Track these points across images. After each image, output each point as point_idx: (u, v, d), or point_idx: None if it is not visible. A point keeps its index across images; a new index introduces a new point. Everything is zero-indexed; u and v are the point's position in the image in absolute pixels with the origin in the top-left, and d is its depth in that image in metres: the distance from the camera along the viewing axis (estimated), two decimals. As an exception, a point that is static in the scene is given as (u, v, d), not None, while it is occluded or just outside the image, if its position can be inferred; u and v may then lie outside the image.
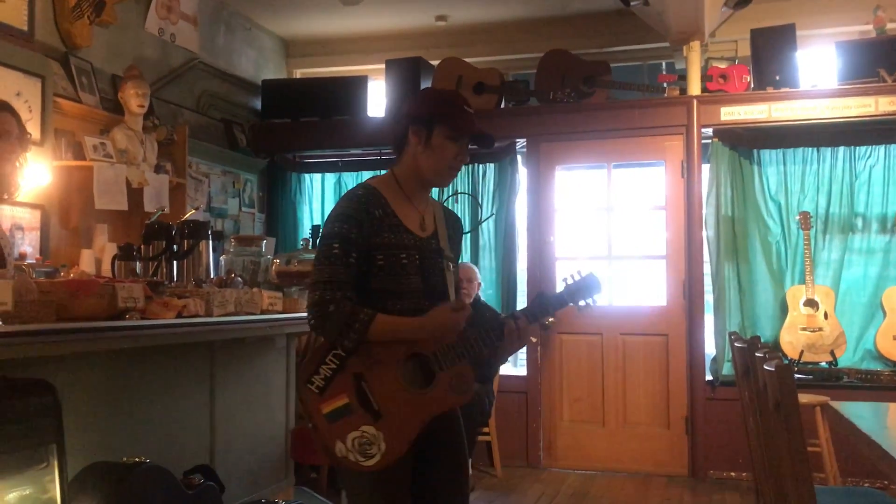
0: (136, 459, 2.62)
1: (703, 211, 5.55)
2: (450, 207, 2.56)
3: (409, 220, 2.24)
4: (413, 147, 2.24)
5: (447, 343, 2.15)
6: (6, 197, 3.08)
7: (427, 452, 2.25)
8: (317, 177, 6.64)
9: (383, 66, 6.15)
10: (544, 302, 2.26)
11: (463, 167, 6.51)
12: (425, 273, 2.21)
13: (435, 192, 2.43)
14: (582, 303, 2.27)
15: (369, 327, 2.08)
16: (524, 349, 6.03)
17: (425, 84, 6.04)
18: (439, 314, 2.13)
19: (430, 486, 2.28)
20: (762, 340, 3.09)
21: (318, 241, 2.28)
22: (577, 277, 2.27)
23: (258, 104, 6.44)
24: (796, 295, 5.40)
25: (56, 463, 2.18)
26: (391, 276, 2.17)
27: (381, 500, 2.18)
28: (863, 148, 5.47)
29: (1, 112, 2.99)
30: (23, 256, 3.71)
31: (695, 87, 5.52)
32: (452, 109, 2.23)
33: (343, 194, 2.28)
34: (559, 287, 2.32)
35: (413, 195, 2.27)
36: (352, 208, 2.18)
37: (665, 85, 5.67)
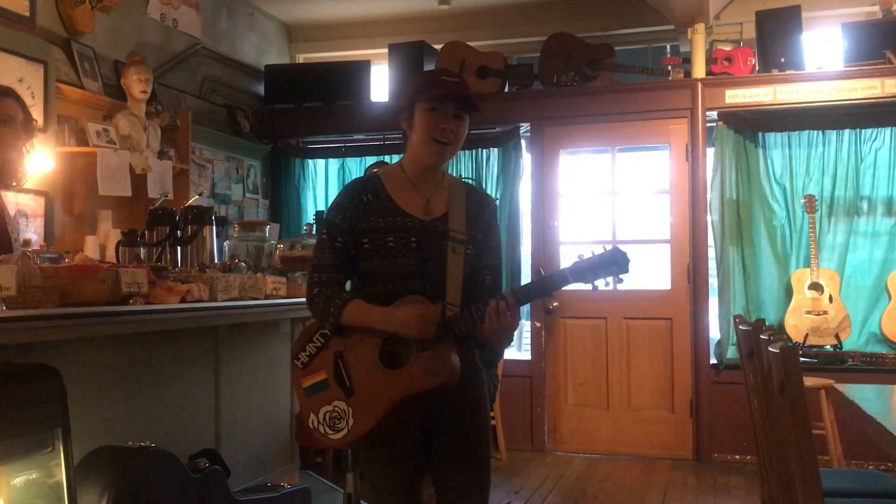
0: (142, 444, 2.64)
1: (708, 195, 5.53)
2: None
3: (410, 203, 2.24)
4: (408, 136, 2.28)
5: (443, 320, 2.14)
6: (14, 184, 3.08)
7: (441, 442, 2.26)
8: (320, 162, 6.63)
9: (386, 50, 6.13)
10: (540, 281, 2.18)
11: (466, 152, 6.46)
12: (423, 256, 2.20)
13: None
14: (600, 282, 2.13)
15: (342, 313, 2.16)
16: (528, 333, 6.05)
17: (428, 68, 6.02)
18: (405, 310, 2.12)
19: (444, 477, 2.27)
20: (767, 324, 3.09)
21: (322, 229, 2.35)
22: (595, 253, 2.13)
23: (261, 90, 6.43)
24: (801, 278, 5.39)
25: (62, 447, 2.18)
26: (378, 258, 2.19)
27: (381, 479, 2.24)
28: (868, 130, 5.44)
29: (5, 98, 2.98)
30: (27, 243, 3.71)
31: (699, 70, 5.49)
32: (424, 82, 2.25)
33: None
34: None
35: (418, 180, 2.27)
36: (341, 196, 2.28)
37: (669, 68, 5.63)
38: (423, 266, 2.19)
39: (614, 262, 2.11)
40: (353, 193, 2.25)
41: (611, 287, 2.17)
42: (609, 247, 2.13)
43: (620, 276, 2.14)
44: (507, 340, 2.26)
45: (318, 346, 2.22)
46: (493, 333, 2.13)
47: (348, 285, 2.30)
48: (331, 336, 2.20)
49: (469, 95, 2.23)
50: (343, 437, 2.16)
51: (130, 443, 2.65)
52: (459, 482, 2.25)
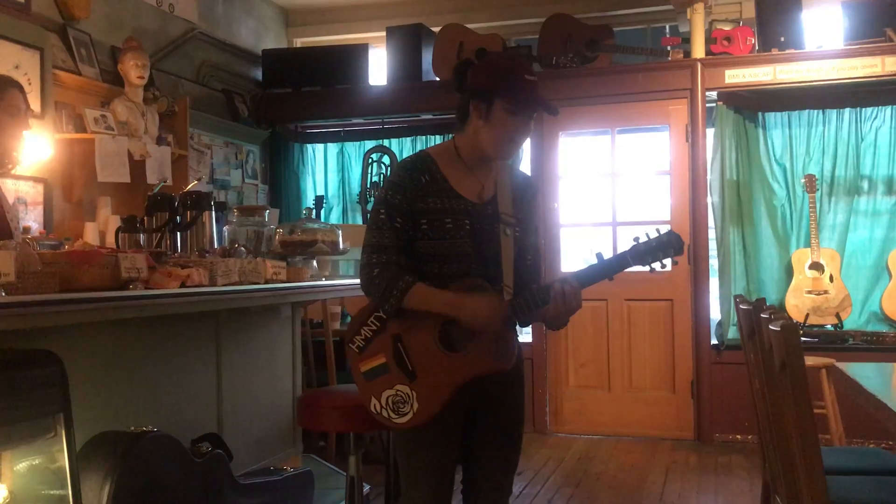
0: (144, 428, 2.64)
1: (708, 175, 5.52)
2: None
3: (465, 187, 2.25)
4: (474, 121, 2.23)
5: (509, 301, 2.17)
6: (10, 168, 3.11)
7: (481, 421, 2.29)
8: (319, 147, 6.61)
9: (384, 33, 6.10)
10: (602, 265, 2.20)
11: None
12: (477, 238, 2.21)
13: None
14: (657, 264, 2.18)
15: (406, 295, 2.14)
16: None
17: (427, 51, 5.99)
18: (475, 300, 2.12)
19: (479, 455, 2.31)
20: (767, 304, 3.08)
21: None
22: (651, 236, 2.18)
23: (259, 74, 6.40)
24: (802, 258, 5.39)
25: (64, 433, 2.18)
26: (435, 239, 2.19)
27: (421, 457, 2.24)
28: (869, 109, 5.42)
29: (11, 89, 3.01)
30: (27, 230, 3.71)
31: (699, 50, 5.47)
32: (511, 82, 2.18)
33: (396, 164, 2.35)
34: (592, 259, 2.27)
35: (473, 165, 2.27)
36: (398, 175, 2.25)
37: (669, 48, 5.61)
38: (477, 248, 2.21)
39: (671, 244, 2.16)
40: (411, 173, 2.23)
41: (668, 268, 2.21)
42: (664, 229, 2.19)
43: (676, 259, 2.19)
44: (564, 323, 2.27)
45: (373, 330, 2.21)
46: (558, 315, 2.17)
47: None
48: (387, 319, 2.19)
49: (552, 107, 2.24)
50: (409, 421, 2.17)
51: (132, 427, 2.65)
52: (494, 465, 2.31)
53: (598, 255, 2.20)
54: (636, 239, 2.18)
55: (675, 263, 2.21)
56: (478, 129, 2.22)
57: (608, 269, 2.19)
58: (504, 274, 2.20)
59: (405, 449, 2.27)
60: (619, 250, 2.23)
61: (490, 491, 2.32)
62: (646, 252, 2.16)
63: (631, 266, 2.18)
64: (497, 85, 2.18)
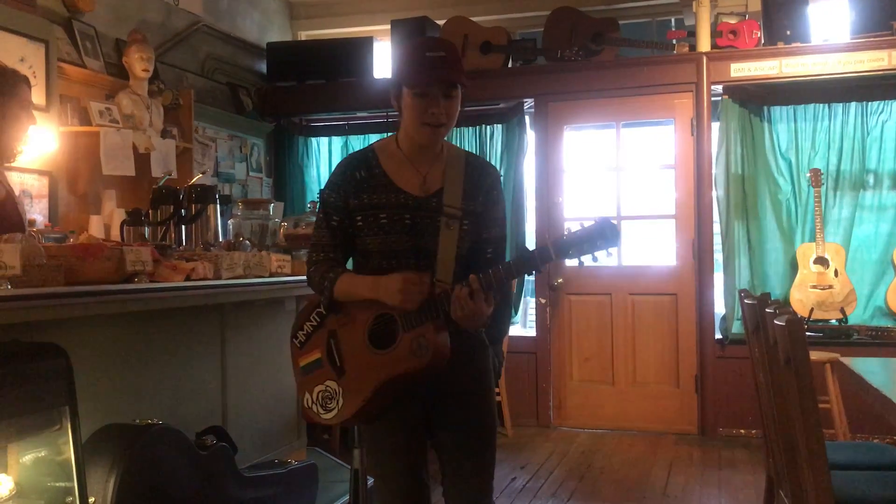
0: (149, 421, 2.65)
1: (713, 169, 5.51)
2: None
3: (405, 180, 2.19)
4: (400, 114, 2.21)
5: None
6: (11, 160, 3.13)
7: (444, 422, 2.24)
8: (323, 140, 6.61)
9: (389, 26, 6.09)
10: (516, 262, 2.05)
11: (470, 129, 6.44)
12: (417, 232, 2.15)
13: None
14: (586, 257, 1.98)
15: (334, 286, 2.15)
16: (533, 310, 6.05)
17: (414, 41, 5.97)
18: (389, 277, 2.07)
19: (447, 457, 2.25)
20: (772, 298, 3.09)
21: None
22: (583, 226, 1.98)
23: (264, 67, 6.39)
24: (806, 253, 5.37)
25: (69, 425, 2.19)
26: (370, 236, 2.16)
27: (384, 460, 2.24)
28: (875, 103, 5.40)
29: (22, 84, 3.03)
30: (32, 223, 3.72)
31: (704, 44, 5.45)
32: (409, 66, 2.12)
33: None
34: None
35: (413, 156, 2.21)
36: (335, 174, 2.25)
37: (674, 42, 5.59)
38: (416, 242, 2.15)
39: (601, 235, 1.96)
40: (345, 171, 2.22)
41: (597, 263, 2.00)
42: (594, 220, 1.99)
43: (609, 251, 1.98)
44: (478, 326, 2.14)
45: (314, 325, 2.23)
46: (458, 320, 2.04)
47: (350, 264, 2.28)
48: (326, 315, 2.20)
49: (455, 79, 2.10)
50: (333, 417, 2.17)
51: (138, 420, 2.66)
52: (462, 457, 2.23)
53: (521, 248, 2.09)
54: (568, 229, 2.02)
55: (608, 255, 1.99)
56: (404, 121, 2.19)
57: (526, 266, 2.04)
58: (438, 268, 2.11)
59: (371, 451, 2.30)
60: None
61: (466, 491, 2.25)
62: (570, 244, 1.97)
63: (554, 260, 1.99)
64: (399, 73, 2.16)
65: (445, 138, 2.25)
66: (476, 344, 2.27)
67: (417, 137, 2.17)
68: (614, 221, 2.04)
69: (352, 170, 2.21)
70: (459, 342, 2.14)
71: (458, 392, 2.24)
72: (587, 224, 1.98)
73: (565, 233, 2.01)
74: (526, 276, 2.11)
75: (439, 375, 2.12)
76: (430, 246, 2.15)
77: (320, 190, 4.76)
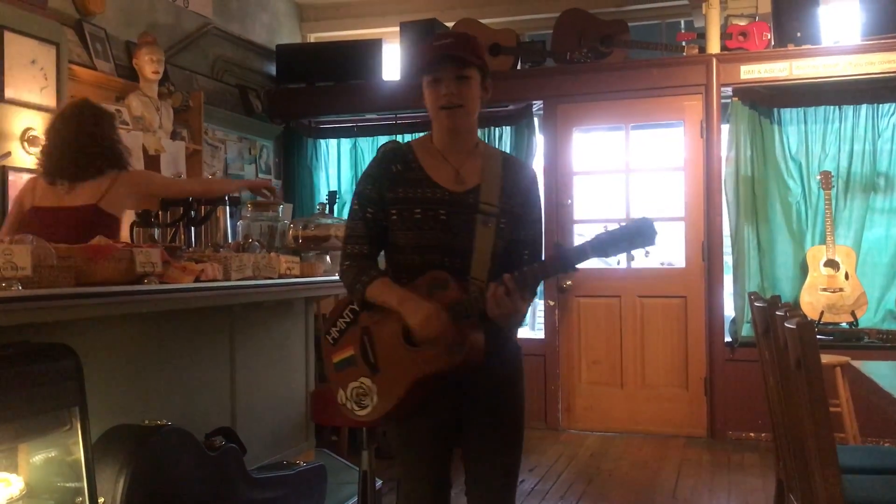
0: (158, 422, 2.65)
1: (723, 171, 5.49)
2: None
3: (441, 174, 2.19)
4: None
5: (448, 303, 2.05)
6: None
7: (473, 422, 2.23)
8: (332, 142, 6.62)
9: (398, 28, 6.10)
10: (551, 261, 2.06)
11: (478, 129, 6.46)
12: (452, 228, 2.14)
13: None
14: (625, 255, 2.02)
15: (367, 288, 2.14)
16: (542, 312, 6.05)
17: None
18: (416, 308, 2.04)
19: (472, 458, 2.25)
20: (782, 301, 3.08)
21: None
22: (620, 226, 2.00)
23: (273, 70, 6.41)
24: (817, 255, 5.35)
25: (79, 426, 2.20)
26: (403, 230, 2.15)
27: (410, 457, 2.23)
28: (886, 105, 5.38)
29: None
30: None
31: (714, 46, 5.44)
32: (420, 56, 2.21)
33: None
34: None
35: (446, 150, 2.22)
36: (371, 166, 2.25)
37: (684, 44, 5.58)
38: (450, 239, 2.14)
39: (639, 233, 1.97)
40: (382, 163, 2.22)
41: (629, 263, 2.07)
42: (636, 218, 2.01)
43: (647, 249, 1.99)
44: (515, 324, 2.17)
45: (347, 322, 2.20)
46: (496, 318, 2.05)
47: (381, 257, 2.27)
48: (359, 311, 2.18)
49: (460, 54, 2.11)
50: (368, 415, 2.15)
51: (147, 421, 2.66)
52: (489, 457, 2.23)
53: (557, 246, 2.06)
54: (605, 227, 2.00)
55: (646, 255, 2.00)
56: (431, 117, 2.23)
57: (562, 264, 2.03)
58: (474, 266, 2.10)
59: (399, 450, 2.27)
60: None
61: (491, 492, 2.25)
62: (609, 243, 1.98)
63: (590, 257, 2.00)
64: (416, 68, 2.22)
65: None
66: (510, 345, 2.26)
67: (439, 124, 2.20)
68: (653, 221, 1.99)
69: (388, 163, 2.21)
70: (493, 343, 2.13)
71: (489, 392, 2.22)
72: (624, 223, 2.00)
73: (602, 231, 2.01)
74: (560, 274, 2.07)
75: (472, 375, 2.12)
76: (465, 243, 2.14)
77: (331, 191, 4.75)
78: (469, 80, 2.15)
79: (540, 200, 2.31)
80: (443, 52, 2.13)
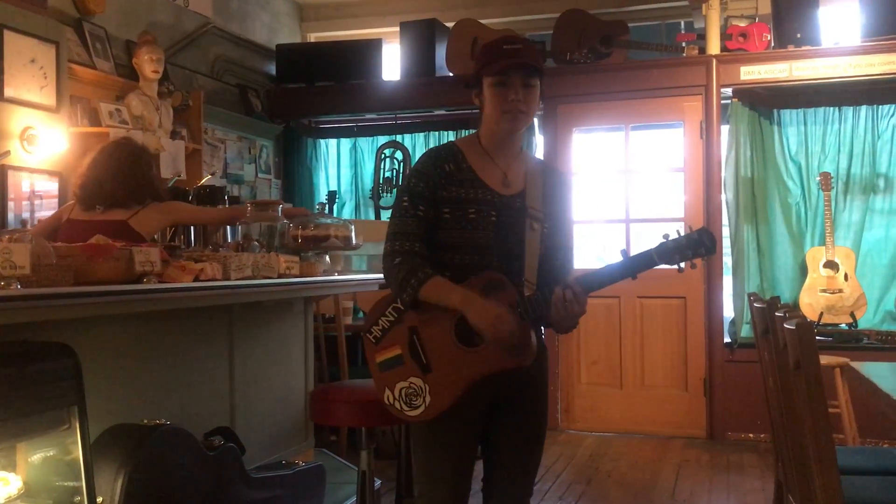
0: (157, 421, 2.65)
1: (722, 172, 5.49)
2: None
3: (490, 176, 2.21)
4: (481, 110, 2.24)
5: (505, 304, 2.09)
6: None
7: (502, 420, 2.24)
8: (332, 142, 6.62)
9: (398, 28, 6.09)
10: (620, 265, 2.11)
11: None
12: (502, 230, 2.17)
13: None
14: (686, 263, 2.08)
15: (423, 286, 2.11)
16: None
17: (440, 47, 5.98)
18: (487, 309, 2.05)
19: (499, 455, 2.26)
20: (782, 302, 3.07)
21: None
22: (681, 233, 2.09)
23: (273, 69, 6.41)
24: (816, 256, 5.35)
25: (78, 425, 2.19)
26: (457, 230, 2.16)
27: (438, 456, 2.21)
28: (886, 107, 5.38)
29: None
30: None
31: (714, 47, 5.44)
32: (488, 56, 2.18)
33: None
34: (608, 257, 2.22)
35: (495, 152, 2.24)
36: (422, 163, 2.23)
37: (684, 44, 5.58)
38: (501, 241, 2.17)
39: (701, 242, 2.07)
40: (435, 161, 2.21)
41: (695, 268, 2.12)
42: (696, 226, 2.12)
43: (706, 258, 2.14)
44: (572, 326, 2.20)
45: (391, 321, 2.18)
46: (559, 321, 2.11)
47: None
48: (404, 310, 2.16)
49: (534, 63, 2.17)
50: (420, 415, 2.14)
51: (146, 420, 2.66)
52: (512, 465, 2.26)
53: (623, 253, 2.11)
54: (666, 236, 2.09)
55: (704, 261, 2.14)
56: (486, 116, 2.22)
57: (628, 270, 2.10)
58: (527, 269, 2.16)
59: (423, 447, 2.24)
60: (643, 248, 2.13)
61: (512, 491, 2.27)
62: (674, 250, 2.07)
63: (657, 265, 2.09)
64: (480, 65, 2.19)
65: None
66: (541, 347, 2.28)
67: (499, 127, 2.20)
68: (711, 231, 2.10)
69: (441, 161, 2.21)
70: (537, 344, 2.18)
71: (520, 392, 2.25)
72: (690, 230, 2.10)
73: (664, 239, 2.09)
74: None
75: (508, 377, 2.16)
76: (515, 246, 2.18)
77: (331, 191, 4.71)
78: (534, 89, 2.19)
79: (572, 207, 2.39)
80: (516, 58, 2.15)
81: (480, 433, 2.26)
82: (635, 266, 2.10)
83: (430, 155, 2.24)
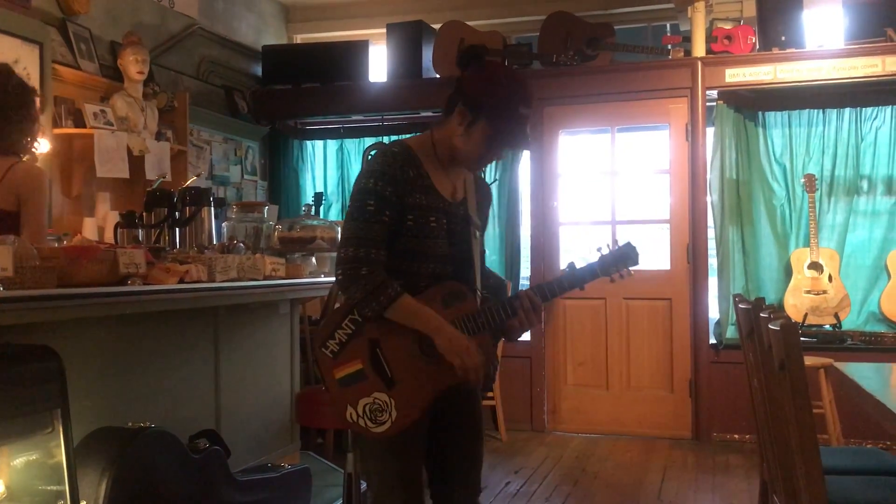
0: (142, 424, 2.64)
1: (708, 174, 5.51)
2: None
3: (441, 184, 2.19)
4: (455, 123, 2.15)
5: (466, 314, 2.12)
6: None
7: (445, 422, 2.24)
8: (318, 143, 6.61)
9: (384, 30, 6.09)
10: (569, 277, 2.20)
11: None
12: (453, 238, 2.18)
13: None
14: (616, 275, 2.22)
15: (392, 305, 2.04)
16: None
17: (427, 48, 5.98)
18: (458, 341, 2.05)
19: (448, 456, 2.26)
20: (766, 303, 3.09)
21: (350, 197, 2.15)
22: (611, 248, 2.23)
23: (259, 70, 6.39)
24: (801, 258, 5.38)
25: (61, 428, 2.18)
26: (418, 237, 2.12)
27: (393, 464, 2.16)
28: (869, 109, 5.42)
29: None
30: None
31: (699, 49, 5.46)
32: (504, 112, 2.11)
33: (377, 152, 2.17)
34: (593, 257, 2.25)
35: (447, 164, 2.21)
36: (388, 165, 2.10)
37: (669, 47, 5.60)
38: (453, 249, 2.18)
39: (629, 255, 2.23)
40: (402, 165, 2.10)
41: (624, 279, 2.26)
42: (622, 241, 2.26)
43: (630, 269, 2.24)
44: (518, 337, 2.27)
45: (349, 333, 2.09)
46: (514, 330, 2.18)
47: None
48: (363, 322, 2.09)
49: (529, 140, 2.25)
50: (386, 430, 2.07)
51: (130, 423, 2.65)
52: (458, 464, 2.26)
53: (570, 265, 2.23)
54: (599, 249, 2.23)
55: (629, 275, 2.26)
56: (455, 133, 2.15)
57: (577, 281, 2.21)
58: (477, 278, 2.19)
59: (375, 458, 2.18)
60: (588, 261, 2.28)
61: (464, 490, 2.27)
62: (611, 263, 2.22)
63: (599, 277, 2.22)
64: (489, 106, 2.11)
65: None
66: None
67: (464, 162, 2.20)
68: (634, 245, 2.27)
69: (406, 166, 2.11)
70: None
71: (459, 393, 2.24)
72: (610, 246, 2.25)
73: (600, 253, 2.23)
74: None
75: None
76: (466, 253, 2.20)
77: (317, 193, 4.70)
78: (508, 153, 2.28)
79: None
80: (521, 138, 2.20)
81: (426, 444, 2.23)
82: (584, 278, 2.22)
83: (396, 158, 2.12)
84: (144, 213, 3.80)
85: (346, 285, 2.06)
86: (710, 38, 5.47)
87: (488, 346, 2.16)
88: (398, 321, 2.06)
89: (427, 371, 2.09)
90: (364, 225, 2.06)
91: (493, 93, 2.12)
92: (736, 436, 5.36)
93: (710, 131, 5.57)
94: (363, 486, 2.39)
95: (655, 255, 5.74)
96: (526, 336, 5.98)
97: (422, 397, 2.09)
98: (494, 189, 6.02)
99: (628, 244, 2.23)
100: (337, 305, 2.18)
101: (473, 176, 2.32)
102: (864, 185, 5.45)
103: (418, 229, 2.11)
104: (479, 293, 2.18)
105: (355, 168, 6.37)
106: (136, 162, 4.56)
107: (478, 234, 2.23)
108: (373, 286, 2.03)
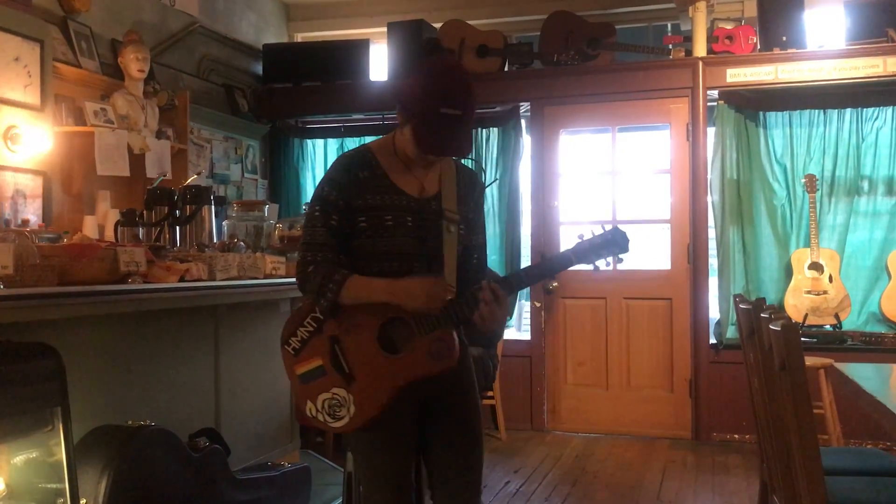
0: (142, 422, 2.64)
1: (708, 174, 5.51)
2: None
3: (404, 181, 2.18)
4: (403, 123, 2.16)
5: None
6: None
7: (438, 422, 2.22)
8: (319, 142, 6.61)
9: (385, 28, 6.09)
10: (539, 267, 2.16)
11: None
12: (421, 235, 2.15)
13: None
14: (602, 262, 2.13)
15: (342, 288, 2.07)
16: (528, 313, 6.05)
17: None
18: (411, 281, 2.06)
19: (444, 456, 2.24)
20: (767, 303, 3.09)
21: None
22: (594, 234, 2.13)
23: (259, 69, 6.39)
24: (801, 258, 5.38)
25: (61, 426, 2.18)
26: (373, 237, 2.12)
27: (379, 460, 2.17)
28: (870, 110, 5.42)
29: None
30: (25, 223, 3.70)
31: (700, 49, 5.46)
32: (427, 114, 2.06)
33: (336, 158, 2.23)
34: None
35: (410, 161, 2.18)
36: (335, 171, 2.16)
37: (670, 47, 5.60)
38: (420, 246, 2.15)
39: (615, 241, 2.12)
40: (348, 169, 2.15)
41: (611, 267, 2.14)
42: (609, 226, 2.15)
43: (620, 256, 2.15)
44: (498, 331, 2.23)
45: (310, 331, 2.13)
46: (483, 321, 2.08)
47: None
48: (324, 319, 2.12)
49: (464, 153, 2.11)
50: (345, 425, 2.11)
51: (130, 421, 2.65)
52: (454, 463, 2.23)
53: (542, 255, 2.20)
54: (581, 236, 2.14)
55: (619, 261, 2.16)
56: (404, 133, 2.14)
57: (547, 270, 2.16)
58: (446, 273, 2.13)
59: (362, 451, 2.21)
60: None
61: (464, 491, 2.24)
62: (589, 250, 2.12)
63: (574, 264, 2.13)
64: (413, 110, 2.08)
65: None
66: (463, 347, 2.27)
67: (415, 157, 2.15)
68: (623, 229, 2.15)
69: (355, 168, 2.15)
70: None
71: (452, 398, 2.23)
72: (599, 231, 2.14)
73: (580, 239, 2.13)
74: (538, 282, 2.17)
75: (435, 381, 2.14)
76: (435, 249, 2.16)
77: (321, 188, 4.71)
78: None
79: (484, 206, 2.39)
80: (448, 144, 2.08)
81: (417, 439, 2.22)
82: (554, 266, 2.16)
83: (343, 162, 2.17)
84: (145, 212, 3.79)
85: (302, 286, 2.14)
86: (712, 38, 5.47)
87: (448, 342, 2.10)
88: (355, 301, 2.08)
89: (386, 366, 2.09)
90: (310, 231, 2.14)
91: (412, 93, 2.12)
92: (736, 436, 5.36)
93: (711, 131, 5.57)
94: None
95: (656, 254, 5.75)
96: (526, 335, 5.99)
97: (380, 393, 2.09)
98: (494, 188, 6.03)
99: (615, 229, 2.13)
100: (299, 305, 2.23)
101: (456, 167, 2.28)
102: (865, 185, 5.45)
103: (373, 229, 2.12)
104: (448, 288, 2.10)
105: (356, 167, 6.36)
106: (136, 160, 4.56)
107: (453, 228, 2.17)
108: (321, 277, 2.08)
